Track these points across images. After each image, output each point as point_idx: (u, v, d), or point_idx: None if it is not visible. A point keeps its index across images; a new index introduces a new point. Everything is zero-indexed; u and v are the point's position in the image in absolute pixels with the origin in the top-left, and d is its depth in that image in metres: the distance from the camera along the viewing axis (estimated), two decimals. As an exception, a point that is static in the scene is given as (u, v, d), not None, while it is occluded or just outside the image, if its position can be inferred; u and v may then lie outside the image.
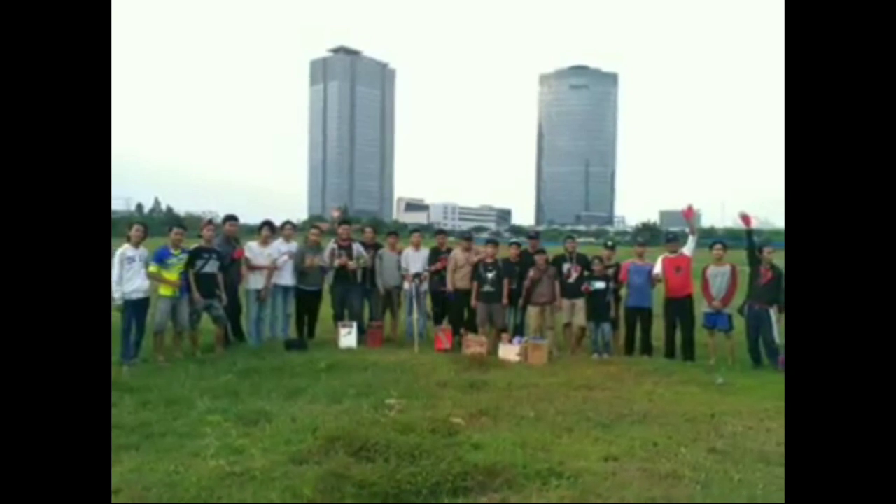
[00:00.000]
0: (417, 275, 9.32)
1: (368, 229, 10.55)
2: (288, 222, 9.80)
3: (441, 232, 10.65)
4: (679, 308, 8.83)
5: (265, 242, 9.17)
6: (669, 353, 8.79)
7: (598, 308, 8.94)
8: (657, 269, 8.95)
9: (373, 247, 9.76)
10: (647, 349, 8.92)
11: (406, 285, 9.47)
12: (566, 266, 9.28)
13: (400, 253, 9.76)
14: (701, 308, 8.92)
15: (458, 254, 9.39)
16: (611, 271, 9.10)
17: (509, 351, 8.49)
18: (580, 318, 9.09)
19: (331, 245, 9.49)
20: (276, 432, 5.00)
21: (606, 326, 8.98)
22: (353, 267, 9.27)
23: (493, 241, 9.52)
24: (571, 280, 9.18)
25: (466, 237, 9.79)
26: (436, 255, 9.66)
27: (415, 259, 9.54)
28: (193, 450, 4.58)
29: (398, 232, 10.85)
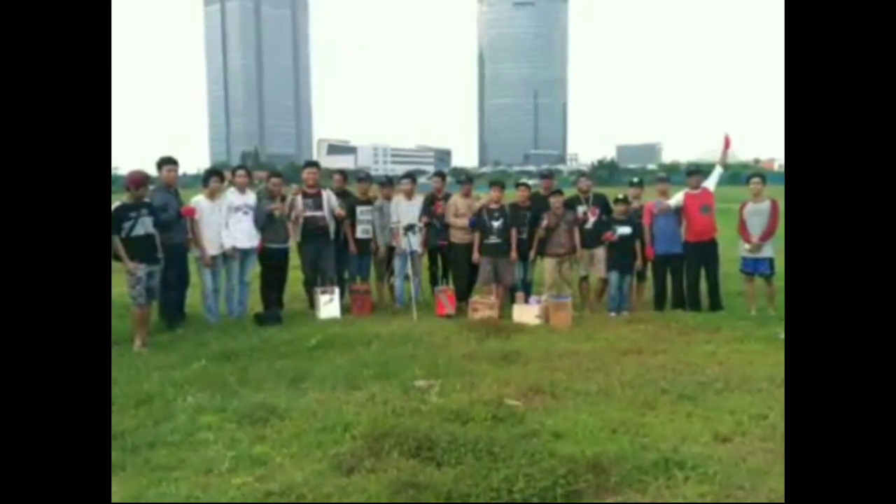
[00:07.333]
0: (411, 227, 8.77)
1: (338, 175, 9.79)
2: (242, 167, 9.08)
3: (439, 174, 10.16)
4: (703, 253, 8.76)
5: (213, 195, 8.40)
6: (693, 305, 8.72)
7: (624, 257, 8.69)
8: (675, 201, 8.81)
9: (341, 195, 9.15)
10: (681, 302, 8.80)
11: (400, 241, 8.91)
12: (580, 209, 9.01)
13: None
14: (736, 252, 8.88)
15: (457, 200, 8.93)
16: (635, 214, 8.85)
17: (527, 312, 8.16)
18: (600, 270, 8.87)
19: (294, 196, 8.80)
20: (298, 432, 4.50)
21: (630, 279, 8.80)
22: (341, 214, 8.72)
23: (498, 183, 9.06)
24: (589, 225, 8.91)
25: (468, 180, 9.32)
26: (430, 203, 9.17)
27: (407, 209, 8.97)
28: (201, 464, 4.03)
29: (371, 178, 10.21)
